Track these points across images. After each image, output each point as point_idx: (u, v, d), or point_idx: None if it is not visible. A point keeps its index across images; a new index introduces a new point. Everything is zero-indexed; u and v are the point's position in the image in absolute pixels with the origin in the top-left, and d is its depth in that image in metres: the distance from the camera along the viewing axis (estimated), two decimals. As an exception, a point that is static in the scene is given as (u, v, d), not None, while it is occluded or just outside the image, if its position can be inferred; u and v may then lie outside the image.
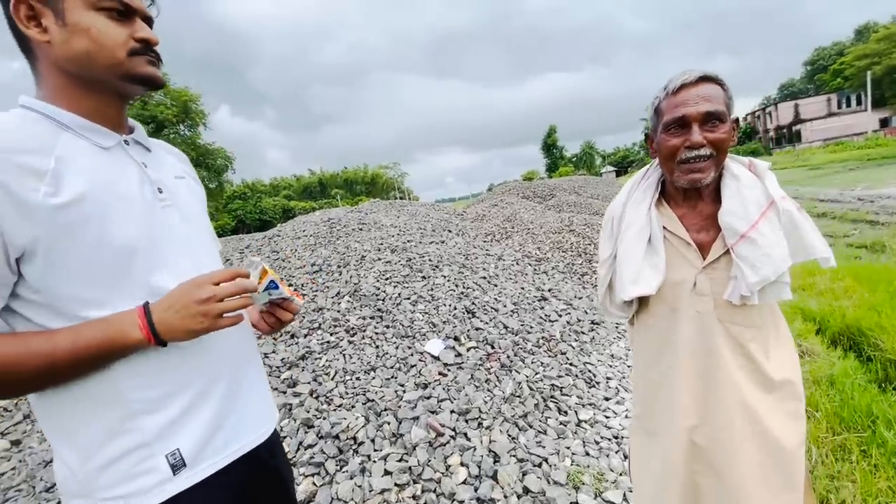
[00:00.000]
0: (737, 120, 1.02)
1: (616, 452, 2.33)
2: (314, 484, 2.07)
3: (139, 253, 0.74)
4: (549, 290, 4.37)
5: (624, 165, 68.00)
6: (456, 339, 3.05)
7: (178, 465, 0.76)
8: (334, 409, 2.46)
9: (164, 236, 0.79)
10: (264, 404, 0.96)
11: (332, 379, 2.69)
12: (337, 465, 2.17)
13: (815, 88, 45.64)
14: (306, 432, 2.32)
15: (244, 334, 0.94)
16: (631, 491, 2.08)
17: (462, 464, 2.17)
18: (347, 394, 2.57)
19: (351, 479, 2.07)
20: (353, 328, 3.10)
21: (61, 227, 0.67)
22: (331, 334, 3.05)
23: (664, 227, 1.04)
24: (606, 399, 2.82)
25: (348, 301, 3.45)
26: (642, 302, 1.12)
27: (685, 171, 0.98)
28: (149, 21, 0.82)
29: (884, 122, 36.89)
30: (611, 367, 3.25)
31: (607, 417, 2.63)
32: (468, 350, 2.96)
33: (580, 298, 4.49)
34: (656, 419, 1.07)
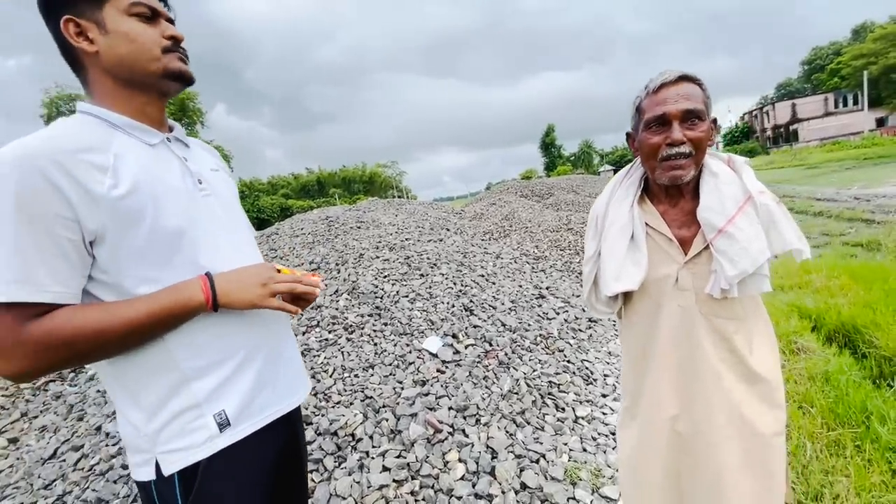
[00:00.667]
0: (714, 120, 1.05)
1: (613, 449, 2.35)
2: (312, 480, 2.07)
3: (186, 236, 0.84)
4: (547, 288, 4.38)
5: (622, 164, 67.89)
6: (454, 336, 3.06)
7: (223, 424, 0.86)
8: (333, 406, 2.46)
9: (206, 221, 0.90)
10: (298, 373, 1.07)
11: (331, 376, 2.69)
12: (335, 462, 2.18)
13: (813, 88, 45.76)
14: (305, 429, 2.32)
15: (276, 314, 1.03)
16: (628, 486, 2.10)
17: (460, 460, 2.19)
18: (346, 391, 2.57)
19: (349, 475, 2.08)
20: (351, 326, 3.11)
21: (123, 214, 0.77)
22: (329, 332, 3.05)
23: (647, 224, 1.07)
24: (604, 396, 2.84)
25: (346, 299, 3.46)
26: (627, 298, 1.14)
27: (666, 168, 1.00)
28: (171, 23, 0.92)
29: (880, 122, 37.04)
30: (608, 364, 3.26)
31: (604, 414, 2.64)
32: (466, 347, 2.97)
33: (578, 296, 4.50)
34: (641, 410, 1.09)
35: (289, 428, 1.04)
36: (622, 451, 1.18)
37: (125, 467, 2.24)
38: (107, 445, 2.42)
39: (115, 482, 2.17)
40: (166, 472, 0.82)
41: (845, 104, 39.71)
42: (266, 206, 44.33)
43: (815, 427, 2.12)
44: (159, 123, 0.92)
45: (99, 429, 2.60)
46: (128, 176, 0.78)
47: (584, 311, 4.07)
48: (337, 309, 3.31)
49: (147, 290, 0.80)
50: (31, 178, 0.69)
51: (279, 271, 0.95)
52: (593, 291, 1.17)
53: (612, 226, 1.08)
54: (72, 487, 2.23)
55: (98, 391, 3.06)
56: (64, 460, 2.45)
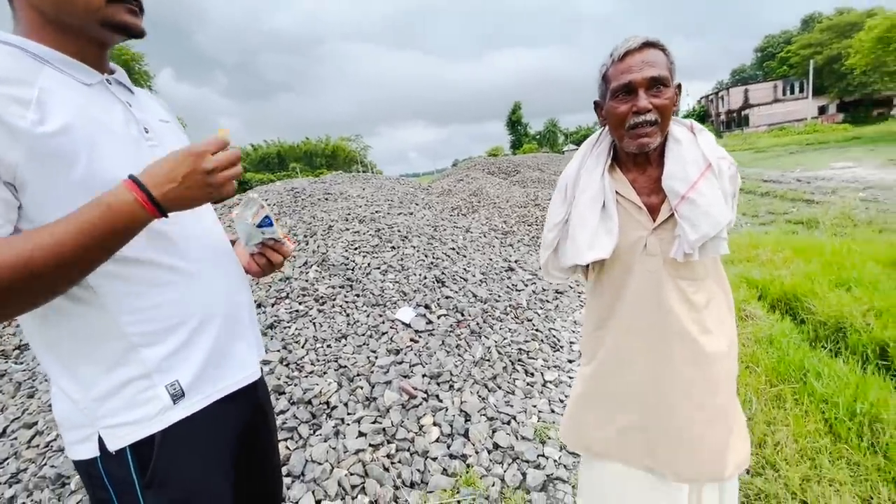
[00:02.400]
0: (679, 85, 1.06)
1: (579, 409, 2.47)
2: (287, 448, 2.07)
3: None
4: (516, 261, 4.47)
5: (585, 144, 69.01)
6: (427, 307, 3.08)
7: (177, 395, 0.79)
8: (306, 376, 2.45)
9: None
10: (255, 343, 0.98)
11: (303, 347, 2.66)
12: (310, 430, 2.18)
13: (764, 75, 47.89)
14: (277, 399, 2.31)
15: (236, 275, 0.96)
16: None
17: (435, 423, 2.24)
18: (319, 361, 2.56)
19: (325, 441, 2.10)
20: (322, 297, 3.07)
21: (50, 156, 0.66)
22: (299, 303, 3.00)
23: (616, 192, 1.09)
24: (570, 361, 2.97)
25: (316, 270, 3.39)
26: (595, 264, 1.17)
27: (633, 136, 1.02)
28: None
29: (822, 110, 39.42)
30: (573, 332, 3.40)
31: (571, 378, 2.77)
32: (439, 317, 3.01)
33: (545, 270, 4.63)
34: (604, 369, 1.14)
35: (253, 399, 0.99)
36: (578, 407, 1.24)
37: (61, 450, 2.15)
38: (64, 421, 2.31)
39: (75, 457, 2.08)
40: (112, 447, 0.75)
41: (792, 91, 41.89)
42: (222, 180, 42.02)
43: (760, 384, 2.32)
44: (98, 64, 0.79)
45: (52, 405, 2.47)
46: (57, 113, 0.67)
47: (551, 283, 4.19)
48: (307, 280, 3.25)
49: None
50: None
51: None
52: (553, 258, 1.19)
53: (583, 194, 1.10)
54: (27, 465, 2.13)
55: (49, 367, 2.89)
56: (16, 438, 2.33)
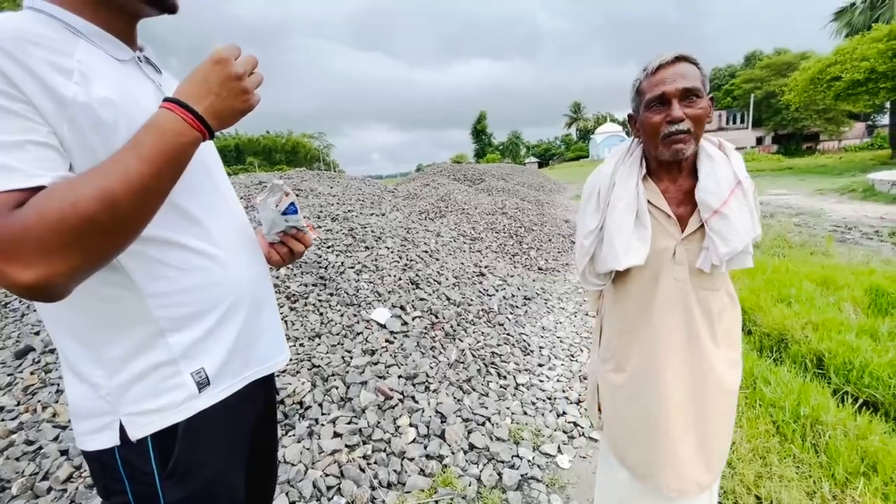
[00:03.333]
0: (712, 98, 1.11)
1: (550, 411, 2.55)
2: (259, 448, 2.00)
3: None
4: (486, 267, 4.54)
5: (546, 158, 71.53)
6: (402, 308, 3.07)
7: (203, 383, 0.77)
8: (278, 375, 2.37)
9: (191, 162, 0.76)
10: (278, 334, 0.98)
11: (274, 345, 2.58)
12: (283, 430, 2.12)
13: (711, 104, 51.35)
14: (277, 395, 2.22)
15: (261, 263, 0.94)
16: (564, 444, 2.30)
17: (411, 424, 2.24)
18: (292, 360, 2.49)
19: (298, 442, 2.04)
20: (294, 295, 2.99)
21: (93, 127, 0.64)
22: (270, 300, 2.91)
23: (648, 201, 1.13)
24: (540, 365, 3.05)
25: (288, 267, 3.30)
26: (624, 270, 1.21)
27: (667, 144, 1.06)
28: None
29: (759, 140, 42.88)
30: (542, 337, 3.50)
31: (541, 381, 2.85)
32: (414, 319, 3.01)
33: (512, 276, 4.73)
34: (640, 381, 1.17)
35: (267, 391, 0.98)
36: (611, 402, 1.26)
37: (29, 443, 1.98)
38: (3, 420, 2.11)
39: (17, 459, 1.91)
40: (134, 436, 0.71)
41: (735, 122, 45.34)
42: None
43: (716, 389, 2.49)
44: (128, 40, 0.77)
45: (-11, 403, 2.25)
46: (98, 85, 0.65)
47: (519, 289, 4.30)
48: (277, 277, 3.16)
49: None
50: None
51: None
52: (590, 265, 1.21)
53: (619, 202, 1.13)
54: (-43, 468, 1.92)
55: (-19, 362, 2.62)
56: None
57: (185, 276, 0.75)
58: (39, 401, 2.17)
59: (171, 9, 0.78)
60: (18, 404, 2.18)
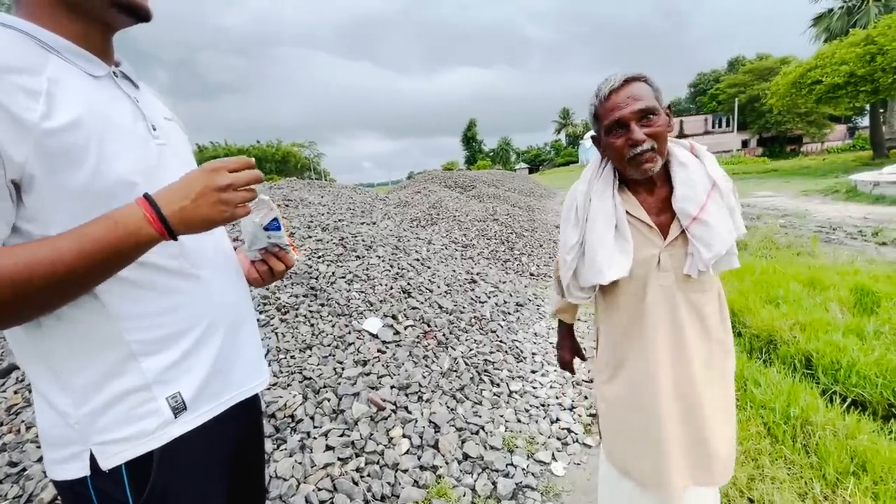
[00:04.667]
0: (670, 107, 1.13)
1: (544, 418, 2.55)
2: (250, 464, 1.97)
3: (138, 188, 0.69)
4: (478, 274, 4.55)
5: (536, 164, 72.10)
6: (393, 317, 3.06)
7: (179, 409, 0.75)
8: (269, 388, 2.35)
9: (161, 175, 0.74)
10: (258, 355, 0.96)
11: (265, 358, 2.55)
12: (274, 444, 2.09)
13: (697, 108, 52.39)
14: (263, 417, 2.19)
15: (240, 282, 0.93)
16: (558, 450, 2.30)
17: (404, 435, 2.22)
18: (282, 372, 2.46)
19: (290, 456, 2.01)
20: (284, 306, 2.96)
21: (59, 152, 0.62)
22: (260, 312, 2.88)
23: (627, 212, 1.15)
24: (533, 372, 3.05)
25: (305, 251, 3.28)
26: (610, 284, 1.22)
27: (635, 165, 1.08)
28: None
29: (744, 143, 43.60)
30: (535, 343, 3.50)
31: (535, 388, 2.85)
32: (406, 328, 3.00)
33: (504, 283, 4.74)
34: (629, 375, 1.19)
35: (250, 415, 0.96)
36: (612, 412, 1.27)
37: (13, 465, 1.93)
38: (-16, 440, 2.05)
39: (0, 482, 1.86)
40: (106, 465, 0.69)
41: (720, 125, 46.08)
42: (161, 181, 39.41)
43: (707, 392, 2.50)
44: (104, 54, 0.75)
45: (-30, 423, 2.19)
46: (66, 106, 0.63)
47: (511, 296, 4.30)
48: (267, 289, 3.13)
49: None
50: None
51: None
52: (573, 280, 1.22)
53: (598, 217, 1.14)
54: (-62, 493, 1.87)
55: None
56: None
57: (160, 298, 0.73)
58: (23, 421, 2.12)
59: (145, 17, 0.76)
60: (2, 424, 2.13)
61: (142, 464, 0.72)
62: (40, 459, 1.92)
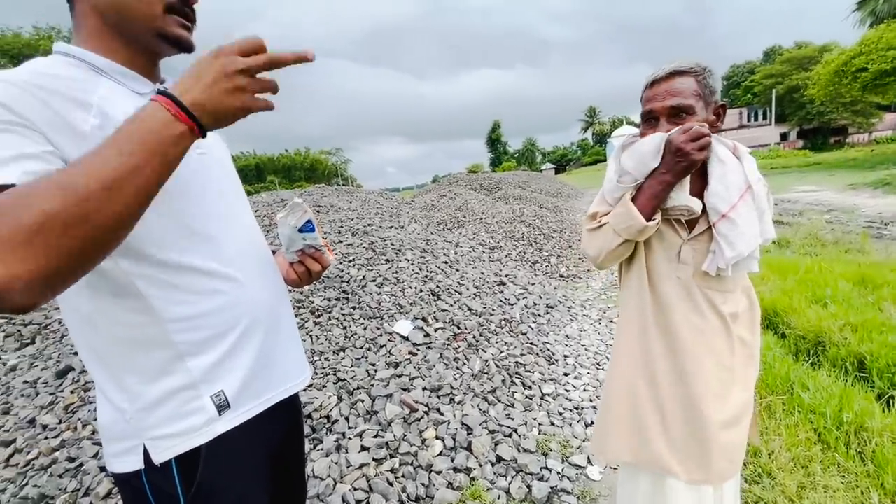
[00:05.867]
0: (723, 105, 1.11)
1: (578, 422, 2.51)
2: (288, 463, 2.03)
3: (181, 197, 0.74)
4: (507, 276, 4.52)
5: (562, 163, 71.14)
6: (423, 319, 3.08)
7: (222, 406, 0.78)
8: (305, 389, 2.40)
9: (203, 184, 0.80)
10: (299, 355, 0.98)
11: (300, 360, 2.62)
12: (311, 444, 2.14)
13: (730, 102, 50.38)
14: (304, 417, 2.25)
15: (279, 284, 0.96)
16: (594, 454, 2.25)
17: (437, 437, 2.23)
18: (317, 374, 2.52)
19: (327, 456, 2.06)
20: (318, 309, 3.03)
21: None
22: (295, 315, 2.96)
23: None
24: (566, 375, 3.01)
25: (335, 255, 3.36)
26: (631, 264, 1.21)
27: None
28: None
29: (783, 136, 41.69)
30: (566, 346, 3.45)
31: (567, 391, 2.80)
32: (436, 330, 3.01)
33: (533, 284, 4.69)
34: (650, 379, 1.17)
35: (292, 413, 0.98)
36: (621, 391, 1.25)
37: (71, 460, 2.05)
38: (46, 438, 2.19)
39: (60, 476, 1.98)
40: (157, 459, 0.73)
41: (756, 118, 44.22)
42: (198, 190, 41.05)
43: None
44: (150, 74, 0.81)
45: (32, 421, 2.34)
46: (117, 119, 0.65)
47: (541, 297, 4.26)
48: (301, 292, 3.21)
49: (125, 260, 0.68)
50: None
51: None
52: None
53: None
54: (5, 485, 2.00)
55: (25, 382, 2.74)
56: (-5, 459, 2.19)
57: (204, 300, 0.77)
58: (80, 419, 2.25)
59: (188, 48, 0.81)
60: (60, 422, 2.26)
61: (190, 459, 0.76)
62: (96, 455, 2.04)
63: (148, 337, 0.73)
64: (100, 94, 0.69)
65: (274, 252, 1.02)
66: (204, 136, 0.64)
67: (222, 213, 0.83)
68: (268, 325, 0.87)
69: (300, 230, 0.92)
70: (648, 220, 1.08)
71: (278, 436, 0.93)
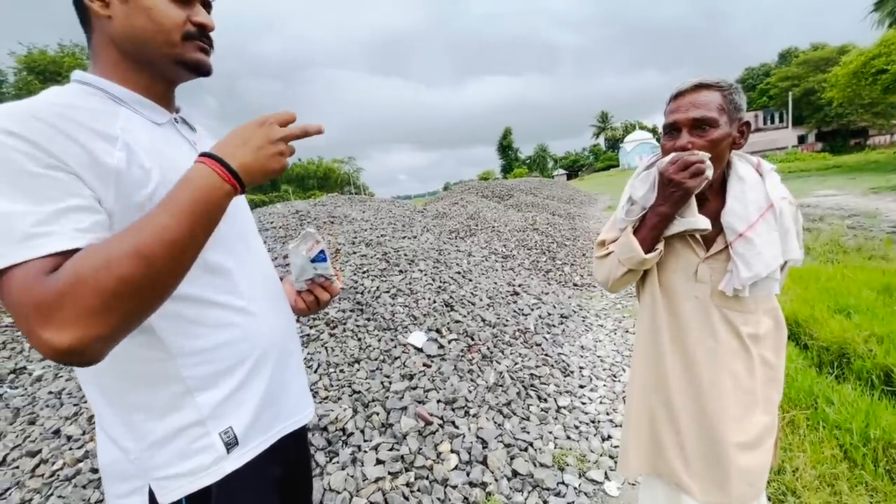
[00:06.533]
0: (747, 123, 1.09)
1: (594, 435, 2.48)
2: (305, 476, 2.04)
3: (209, 240, 0.74)
4: (520, 286, 4.51)
5: (574, 169, 70.81)
6: (437, 331, 3.09)
7: (231, 443, 0.76)
8: (320, 402, 2.42)
9: (230, 224, 0.80)
10: (304, 386, 0.98)
11: (315, 371, 2.64)
12: (327, 457, 2.15)
13: (746, 105, 49.59)
14: (310, 449, 2.27)
15: (288, 313, 0.95)
16: (611, 469, 2.22)
17: (452, 450, 2.22)
18: (332, 386, 2.54)
19: (343, 469, 2.06)
20: (332, 321, 3.06)
21: (133, 196, 0.67)
22: (310, 327, 2.99)
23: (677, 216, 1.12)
24: (581, 387, 2.98)
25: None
26: (645, 283, 1.21)
27: None
28: (207, 6, 0.82)
29: (801, 139, 40.90)
30: (582, 357, 3.42)
31: (584, 404, 2.77)
32: (450, 342, 3.01)
33: (547, 294, 4.67)
34: (667, 395, 1.16)
35: (298, 444, 0.97)
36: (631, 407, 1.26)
37: (94, 471, 2.09)
38: (70, 449, 2.24)
39: (84, 487, 2.02)
40: (164, 500, 0.72)
41: (772, 121, 43.54)
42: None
43: (772, 410, 2.35)
44: (166, 103, 0.82)
45: (57, 432, 2.40)
46: (139, 153, 0.69)
47: (555, 307, 4.23)
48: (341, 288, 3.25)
49: None
50: (28, 137, 0.58)
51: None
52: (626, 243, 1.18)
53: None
54: (31, 495, 2.05)
55: (50, 392, 2.82)
56: (17, 467, 2.25)
57: (215, 333, 0.75)
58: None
59: (206, 72, 0.82)
60: (84, 433, 2.32)
61: (199, 499, 0.74)
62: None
63: (156, 372, 0.71)
64: (120, 125, 0.70)
65: (281, 278, 1.01)
66: (244, 192, 0.70)
67: (233, 241, 0.83)
68: (278, 357, 0.86)
69: (312, 260, 0.92)
70: (648, 251, 1.11)
71: (286, 470, 0.91)
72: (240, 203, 0.90)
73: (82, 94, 0.71)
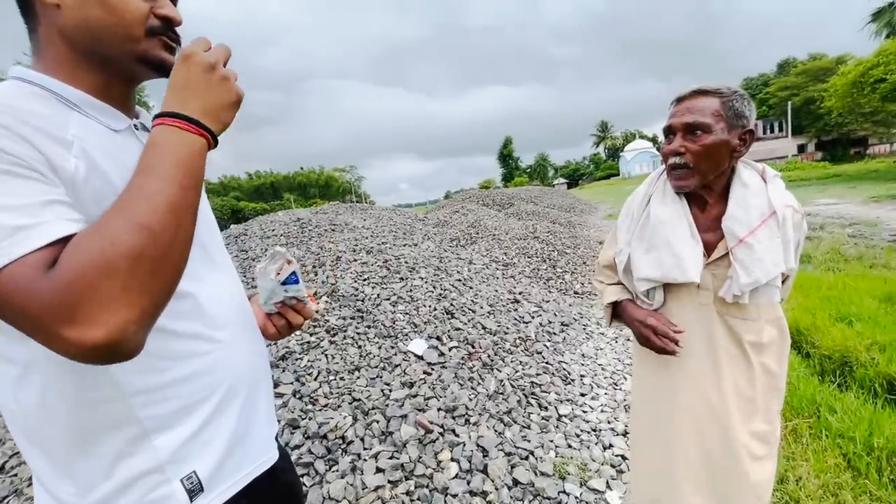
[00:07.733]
0: (750, 131, 1.08)
1: (596, 444, 2.46)
2: (304, 485, 2.02)
3: None
4: (521, 293, 4.50)
5: (575, 178, 71.09)
6: (438, 338, 3.08)
7: (195, 490, 0.67)
8: (320, 410, 2.42)
9: None
10: (272, 419, 0.87)
11: (316, 379, 2.64)
12: (326, 465, 2.14)
13: (744, 114, 49.88)
14: (292, 433, 2.27)
15: (258, 339, 0.85)
16: (613, 478, 2.21)
17: (452, 459, 2.21)
18: (332, 394, 2.53)
19: (342, 477, 2.05)
20: (333, 328, 3.06)
21: (94, 201, 0.58)
22: (310, 334, 2.99)
23: None
24: (582, 395, 2.96)
25: (326, 301, 3.39)
26: (647, 292, 1.21)
27: (672, 177, 1.11)
28: None
29: (801, 148, 41.05)
30: (583, 365, 3.41)
31: (585, 412, 2.76)
32: (450, 350, 3.01)
33: (548, 302, 4.66)
34: (658, 395, 1.17)
35: (275, 479, 0.84)
36: (632, 422, 1.27)
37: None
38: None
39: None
40: None
41: (772, 131, 43.77)
42: (216, 208, 42.19)
43: (775, 418, 2.33)
44: (125, 106, 0.71)
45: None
46: (96, 162, 0.60)
47: (556, 315, 4.22)
48: (317, 311, 3.25)
49: None
50: None
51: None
52: (626, 276, 1.25)
53: (665, 215, 1.15)
54: (30, 503, 2.04)
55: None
56: (16, 475, 2.24)
57: (176, 366, 0.66)
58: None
59: (168, 74, 0.72)
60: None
61: None
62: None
63: (106, 414, 0.60)
64: (72, 132, 0.59)
65: (249, 297, 0.90)
66: (216, 143, 0.63)
67: (196, 258, 0.69)
68: (248, 389, 0.77)
69: (283, 283, 0.82)
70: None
71: None
72: (203, 214, 0.78)
73: (28, 96, 0.59)
